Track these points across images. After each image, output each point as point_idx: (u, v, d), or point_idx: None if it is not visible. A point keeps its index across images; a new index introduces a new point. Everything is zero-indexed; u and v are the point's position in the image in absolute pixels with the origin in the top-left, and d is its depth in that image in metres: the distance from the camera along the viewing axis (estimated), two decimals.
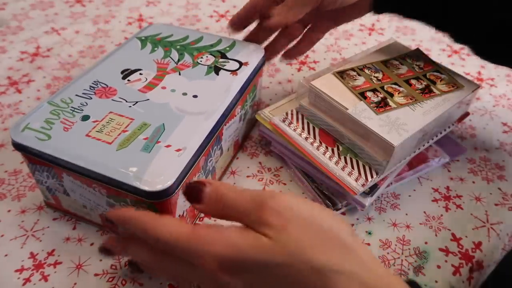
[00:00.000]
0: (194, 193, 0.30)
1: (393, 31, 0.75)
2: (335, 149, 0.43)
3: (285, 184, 0.47)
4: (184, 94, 0.42)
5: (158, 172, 0.34)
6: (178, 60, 0.46)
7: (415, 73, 0.47)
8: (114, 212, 0.31)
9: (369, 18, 0.78)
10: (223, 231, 0.27)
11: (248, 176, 0.47)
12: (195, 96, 0.42)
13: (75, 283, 0.37)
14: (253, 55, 0.48)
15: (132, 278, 0.36)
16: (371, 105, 0.41)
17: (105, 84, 0.42)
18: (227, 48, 0.49)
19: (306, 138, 0.44)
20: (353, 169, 0.41)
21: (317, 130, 0.45)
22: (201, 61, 0.46)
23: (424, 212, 0.45)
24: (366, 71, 0.46)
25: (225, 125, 0.42)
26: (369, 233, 0.42)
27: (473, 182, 0.48)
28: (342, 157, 0.42)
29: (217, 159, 0.43)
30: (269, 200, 0.27)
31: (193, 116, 0.39)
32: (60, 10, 0.76)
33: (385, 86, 0.44)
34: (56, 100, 0.40)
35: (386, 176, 0.43)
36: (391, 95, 0.43)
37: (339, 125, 0.43)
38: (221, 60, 0.47)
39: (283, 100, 0.50)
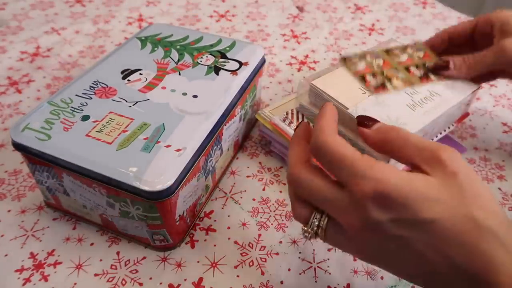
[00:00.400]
0: (363, 119, 0.32)
1: (393, 31, 0.75)
2: None
3: (285, 184, 0.47)
4: (184, 94, 0.42)
5: (158, 172, 0.34)
6: (178, 60, 0.46)
7: (415, 61, 0.47)
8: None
9: (369, 18, 0.78)
10: (391, 166, 0.27)
11: (248, 176, 0.47)
12: (195, 96, 0.42)
13: (75, 283, 0.37)
14: (253, 55, 0.48)
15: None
16: (370, 86, 0.43)
17: (105, 84, 0.42)
18: (227, 48, 0.49)
19: None
20: None
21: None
22: (201, 61, 0.46)
23: None
24: (368, 57, 0.47)
25: (225, 125, 0.42)
26: None
27: None
28: None
29: (217, 159, 0.43)
30: (447, 147, 0.28)
31: (193, 116, 0.39)
32: (60, 10, 0.76)
33: (385, 72, 0.45)
34: (56, 100, 0.40)
35: None
36: (390, 79, 0.44)
37: (339, 125, 0.43)
38: (221, 60, 0.47)
39: (283, 100, 0.50)
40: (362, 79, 0.44)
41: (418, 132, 0.40)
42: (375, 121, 0.31)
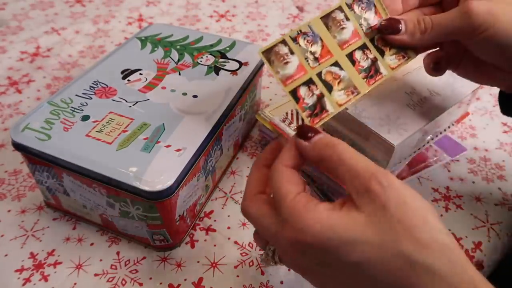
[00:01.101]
0: (304, 130, 0.29)
1: None
2: None
3: None
4: (184, 94, 0.42)
5: (158, 172, 0.34)
6: (178, 60, 0.46)
7: (362, 36, 0.36)
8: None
9: None
10: (316, 208, 0.26)
11: (248, 176, 0.47)
12: (195, 96, 0.42)
13: (75, 283, 0.37)
14: (253, 55, 0.48)
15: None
16: (305, 112, 0.32)
17: (105, 84, 0.42)
18: (227, 48, 0.49)
19: None
20: None
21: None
22: (201, 61, 0.46)
23: None
24: (302, 42, 0.34)
25: (225, 125, 0.42)
26: None
27: (473, 182, 0.48)
28: None
29: (217, 159, 0.43)
30: (379, 174, 0.25)
31: (193, 116, 0.39)
32: (60, 10, 0.76)
33: (323, 73, 0.34)
34: (56, 100, 0.40)
35: None
36: (330, 88, 0.33)
37: (339, 125, 0.43)
38: (221, 60, 0.47)
39: (283, 100, 0.50)
40: (295, 96, 0.32)
41: (418, 131, 0.40)
42: (316, 132, 0.29)
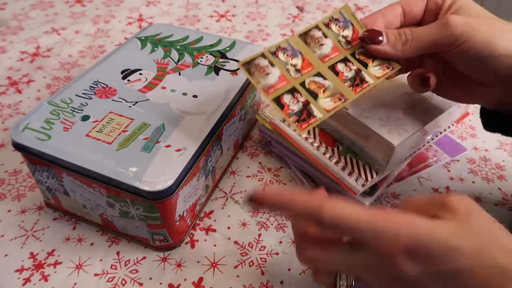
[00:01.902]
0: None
1: None
2: (335, 149, 0.43)
3: (285, 184, 0.47)
4: (184, 94, 0.42)
5: (158, 172, 0.34)
6: (178, 60, 0.46)
7: (342, 51, 0.36)
8: (266, 195, 0.29)
9: None
10: (407, 215, 0.26)
11: (248, 176, 0.47)
12: (195, 96, 0.42)
13: (75, 283, 0.37)
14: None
15: None
16: (291, 118, 0.31)
17: (105, 84, 0.42)
18: (227, 48, 0.49)
19: (306, 138, 0.44)
20: (353, 169, 0.41)
21: (317, 130, 0.45)
22: (201, 61, 0.46)
23: None
24: (281, 56, 0.34)
25: (225, 125, 0.42)
26: None
27: (473, 182, 0.48)
28: (342, 157, 0.42)
29: (217, 159, 0.43)
30: (453, 194, 0.28)
31: (193, 116, 0.39)
32: (60, 10, 0.76)
33: (307, 82, 0.34)
34: (56, 100, 0.40)
35: (386, 176, 0.43)
36: (315, 96, 0.33)
37: (339, 125, 0.43)
38: (221, 60, 0.47)
39: None
40: (279, 103, 0.32)
41: (418, 132, 0.40)
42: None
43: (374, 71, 0.36)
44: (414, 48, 0.35)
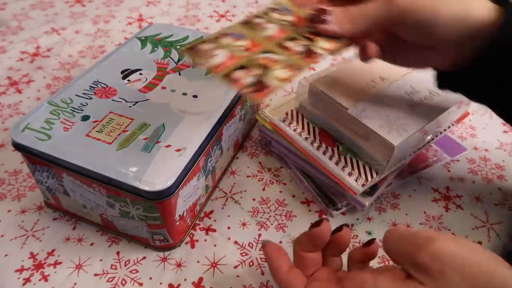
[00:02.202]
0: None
1: None
2: (335, 149, 0.43)
3: (285, 184, 0.47)
4: (184, 94, 0.42)
5: (158, 172, 0.34)
6: (178, 60, 0.46)
7: (288, 32, 0.36)
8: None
9: None
10: (381, 277, 0.27)
11: (248, 176, 0.47)
12: (195, 96, 0.42)
13: (75, 283, 0.37)
14: None
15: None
16: (246, 90, 0.30)
17: (105, 84, 0.42)
18: None
19: (306, 138, 0.44)
20: (353, 169, 0.41)
21: (317, 130, 0.45)
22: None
23: (424, 212, 0.45)
24: (225, 40, 0.33)
25: (225, 125, 0.42)
26: (369, 233, 0.42)
27: (473, 182, 0.48)
28: (342, 157, 0.42)
29: (217, 159, 0.43)
30: (428, 242, 0.26)
31: (193, 116, 0.39)
32: (60, 10, 0.76)
33: (257, 58, 0.32)
34: (56, 100, 0.40)
35: (386, 176, 0.43)
36: (268, 69, 0.32)
37: (339, 125, 0.43)
38: None
39: (283, 100, 0.50)
40: (227, 78, 0.30)
41: (418, 132, 0.40)
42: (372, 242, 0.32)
43: (323, 44, 0.35)
44: (361, 26, 0.34)
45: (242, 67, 0.31)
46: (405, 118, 0.41)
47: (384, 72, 0.47)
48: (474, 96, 0.38)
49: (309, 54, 0.34)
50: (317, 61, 0.34)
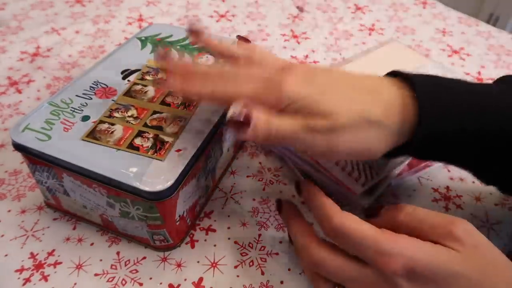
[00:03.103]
0: (372, 209, 0.32)
1: (393, 31, 0.75)
2: None
3: (285, 184, 0.47)
4: None
5: (158, 172, 0.34)
6: None
7: (165, 90, 0.42)
8: (307, 191, 0.32)
9: (369, 18, 0.78)
10: (413, 238, 0.27)
11: (248, 176, 0.47)
12: None
13: (75, 283, 0.37)
14: None
15: None
16: (149, 153, 0.35)
17: (105, 85, 0.42)
18: None
19: None
20: (353, 169, 0.41)
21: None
22: (201, 61, 0.46)
23: None
24: (117, 114, 0.39)
25: (225, 125, 0.42)
26: None
27: (473, 182, 0.48)
28: None
29: (217, 159, 0.43)
30: (458, 220, 0.28)
31: (193, 116, 0.39)
32: (60, 10, 0.76)
33: (148, 122, 0.38)
34: (56, 101, 0.40)
35: (386, 176, 0.43)
36: (160, 128, 0.37)
37: None
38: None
39: None
40: (133, 147, 0.35)
41: None
42: (380, 207, 0.32)
43: None
44: (272, 140, 0.32)
45: (139, 134, 0.37)
46: None
47: (382, 72, 0.45)
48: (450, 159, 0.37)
49: (187, 103, 0.40)
50: (197, 108, 0.39)
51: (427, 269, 0.26)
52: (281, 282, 0.38)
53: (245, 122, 0.31)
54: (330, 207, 0.30)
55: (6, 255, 0.39)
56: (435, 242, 0.27)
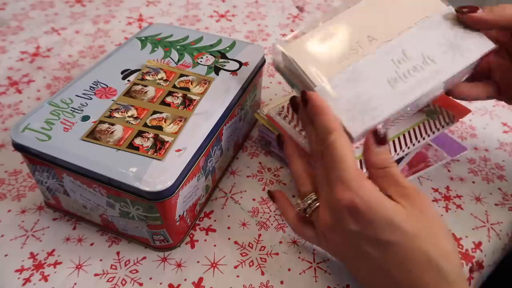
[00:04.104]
0: (380, 138, 0.33)
1: None
2: None
3: (285, 184, 0.47)
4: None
5: (158, 172, 0.34)
6: (178, 60, 0.46)
7: (164, 88, 0.42)
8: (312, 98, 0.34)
9: None
10: (375, 187, 0.30)
11: (248, 176, 0.47)
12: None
13: (75, 283, 0.37)
14: (253, 55, 0.48)
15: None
16: (149, 153, 0.35)
17: (105, 85, 0.42)
18: (227, 48, 0.49)
19: (300, 131, 0.44)
20: None
21: None
22: (201, 61, 0.46)
23: None
24: (117, 114, 0.39)
25: (225, 125, 0.42)
26: None
27: (473, 182, 0.48)
28: None
29: (217, 159, 0.43)
30: (422, 192, 0.31)
31: (193, 116, 0.39)
32: (60, 10, 0.76)
33: (148, 122, 0.38)
34: (56, 101, 0.40)
35: None
36: (160, 128, 0.38)
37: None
38: (221, 60, 0.47)
39: (282, 99, 0.50)
40: (133, 147, 0.36)
41: (393, 115, 0.35)
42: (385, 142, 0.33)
43: (196, 90, 0.42)
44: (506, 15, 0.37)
45: (139, 134, 0.37)
46: (379, 99, 0.35)
47: (376, 28, 0.38)
48: None
49: (188, 103, 0.40)
50: (196, 107, 0.40)
51: (368, 212, 0.28)
52: (281, 282, 0.38)
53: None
54: (328, 121, 0.32)
55: (6, 255, 0.39)
56: (390, 196, 0.30)
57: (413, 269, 0.28)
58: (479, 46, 0.38)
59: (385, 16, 0.37)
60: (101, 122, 0.38)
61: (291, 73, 0.39)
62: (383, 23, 0.38)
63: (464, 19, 0.38)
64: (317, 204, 0.34)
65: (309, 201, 0.35)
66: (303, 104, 0.35)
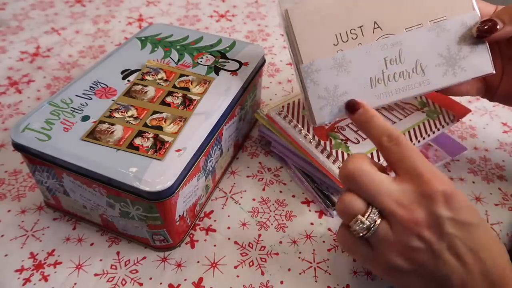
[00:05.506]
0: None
1: None
2: (328, 142, 0.43)
3: (285, 184, 0.47)
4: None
5: (158, 172, 0.34)
6: (178, 60, 0.46)
7: (164, 88, 0.42)
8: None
9: None
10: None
11: (248, 176, 0.47)
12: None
13: (75, 283, 0.37)
14: (253, 55, 0.48)
15: None
16: (149, 153, 0.35)
17: (105, 85, 0.42)
18: (227, 48, 0.49)
19: (300, 131, 0.44)
20: None
21: (311, 124, 0.45)
22: (201, 61, 0.46)
23: None
24: (117, 114, 0.38)
25: (225, 125, 0.42)
26: None
27: (473, 182, 0.48)
28: (334, 151, 0.42)
29: (217, 159, 0.43)
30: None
31: (193, 116, 0.39)
32: (60, 10, 0.76)
33: (148, 122, 0.38)
34: (56, 101, 0.40)
35: None
36: (160, 128, 0.37)
37: (297, 73, 0.38)
38: (221, 60, 0.47)
39: (282, 99, 0.50)
40: (133, 147, 0.35)
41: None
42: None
43: (196, 90, 0.42)
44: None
45: (139, 134, 0.37)
46: (353, 94, 0.35)
47: (386, 16, 0.36)
48: None
49: (188, 103, 0.40)
50: (196, 107, 0.40)
51: (461, 198, 0.29)
52: (281, 282, 0.38)
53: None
54: (389, 128, 0.33)
55: (6, 255, 0.39)
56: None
57: (494, 247, 0.30)
58: (476, 68, 0.37)
59: (399, 5, 0.35)
60: (101, 122, 0.38)
61: (287, 31, 0.37)
62: (396, 12, 0.35)
63: (481, 35, 0.36)
64: (380, 220, 0.30)
65: (374, 216, 0.30)
66: (350, 112, 0.35)
